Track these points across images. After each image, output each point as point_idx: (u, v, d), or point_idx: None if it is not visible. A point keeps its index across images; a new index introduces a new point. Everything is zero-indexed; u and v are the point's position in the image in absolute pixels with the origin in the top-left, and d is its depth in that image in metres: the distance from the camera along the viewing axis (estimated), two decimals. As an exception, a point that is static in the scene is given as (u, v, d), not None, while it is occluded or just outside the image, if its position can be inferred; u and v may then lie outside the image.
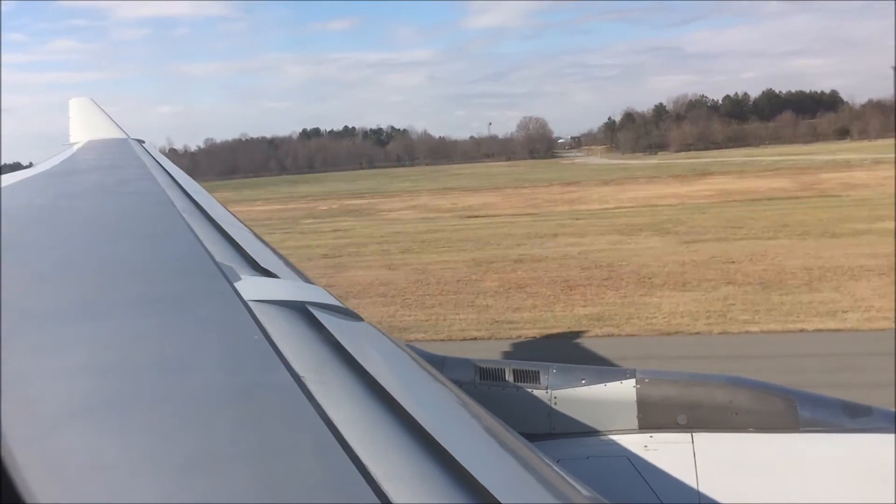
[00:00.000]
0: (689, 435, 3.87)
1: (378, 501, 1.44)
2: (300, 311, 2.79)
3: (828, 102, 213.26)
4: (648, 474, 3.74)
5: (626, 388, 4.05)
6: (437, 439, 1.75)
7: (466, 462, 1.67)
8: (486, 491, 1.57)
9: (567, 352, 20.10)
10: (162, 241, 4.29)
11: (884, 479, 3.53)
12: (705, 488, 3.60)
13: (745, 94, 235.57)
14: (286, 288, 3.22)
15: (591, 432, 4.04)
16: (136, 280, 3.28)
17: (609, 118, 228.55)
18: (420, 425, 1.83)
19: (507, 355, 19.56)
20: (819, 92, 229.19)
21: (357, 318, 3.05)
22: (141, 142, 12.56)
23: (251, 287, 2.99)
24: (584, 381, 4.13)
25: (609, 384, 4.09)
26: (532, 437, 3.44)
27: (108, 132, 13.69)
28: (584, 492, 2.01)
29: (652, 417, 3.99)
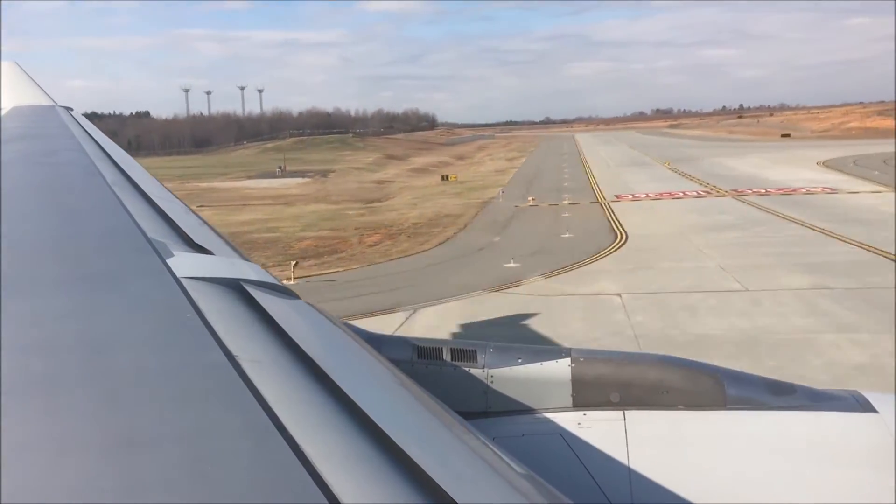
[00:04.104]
0: (622, 412, 3.93)
1: (312, 482, 1.42)
2: (235, 288, 2.74)
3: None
4: (581, 451, 3.80)
5: (561, 367, 4.08)
6: (374, 419, 1.75)
7: (402, 441, 1.67)
8: (422, 470, 1.57)
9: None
10: (91, 215, 4.15)
11: (805, 455, 3.68)
12: (636, 464, 3.68)
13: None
14: (221, 265, 3.16)
15: (527, 410, 4.07)
16: (63, 256, 3.17)
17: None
18: (356, 405, 1.82)
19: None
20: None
21: (293, 296, 3.01)
22: (69, 109, 12.07)
23: (184, 264, 2.92)
24: (520, 361, 4.15)
25: (545, 363, 4.11)
26: (468, 416, 3.42)
27: (34, 99, 13.05)
28: (518, 468, 2.04)
29: (586, 395, 4.02)
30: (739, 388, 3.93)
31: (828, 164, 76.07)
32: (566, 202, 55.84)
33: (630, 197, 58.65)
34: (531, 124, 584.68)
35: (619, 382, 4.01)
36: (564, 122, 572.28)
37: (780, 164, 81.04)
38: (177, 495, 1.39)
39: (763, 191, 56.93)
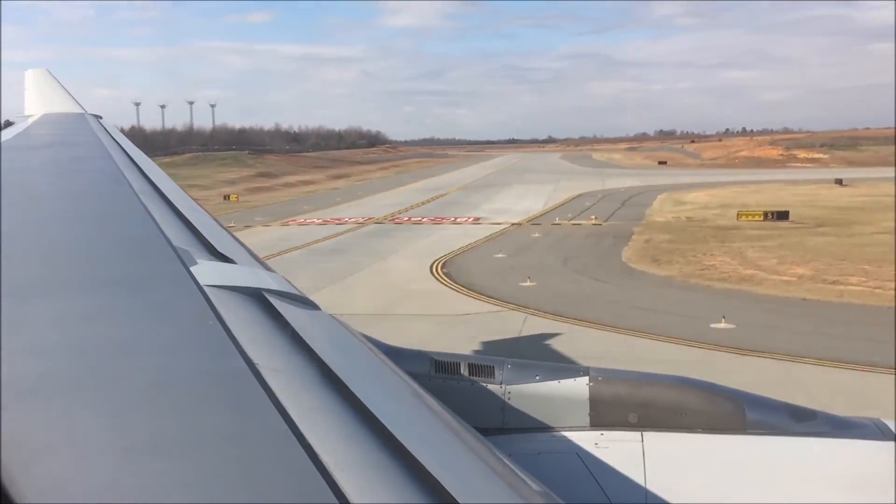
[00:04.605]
0: (639, 434, 3.89)
1: (329, 490, 1.44)
2: (256, 297, 2.75)
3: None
4: (598, 471, 3.77)
5: (579, 386, 4.05)
6: (391, 430, 1.77)
7: (419, 453, 1.68)
8: (438, 483, 1.58)
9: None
10: (117, 222, 4.17)
11: (825, 483, 3.64)
12: (653, 486, 3.63)
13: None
14: (243, 274, 3.17)
15: (544, 428, 4.05)
16: (89, 261, 3.18)
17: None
18: (374, 416, 1.84)
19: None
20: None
21: (314, 306, 3.03)
22: (98, 118, 12.13)
23: (207, 272, 2.94)
24: (538, 378, 4.13)
25: (562, 381, 4.09)
26: (485, 432, 3.38)
27: (64, 106, 13.23)
28: (534, 486, 2.05)
29: (603, 415, 3.99)
30: (760, 413, 3.90)
31: (574, 197, 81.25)
32: (260, 225, 60.06)
33: (300, 220, 63.89)
34: (534, 142, 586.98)
35: (637, 403, 3.98)
36: (568, 140, 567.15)
37: (546, 193, 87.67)
38: (195, 501, 1.40)
39: (420, 219, 62.55)
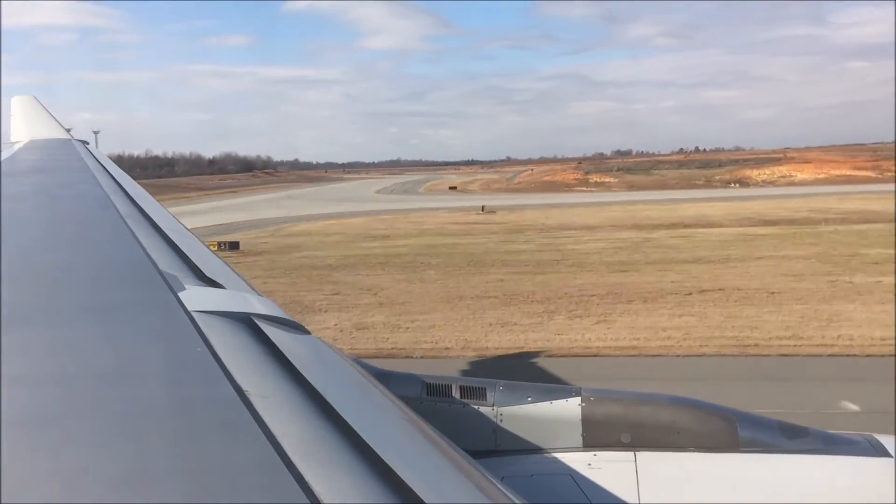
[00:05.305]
0: (633, 453, 3.90)
1: None
2: (246, 322, 2.73)
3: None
4: (591, 492, 3.76)
5: (571, 406, 4.06)
6: (382, 456, 1.76)
7: (410, 479, 1.67)
8: None
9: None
10: (104, 248, 4.15)
11: (818, 499, 3.63)
12: None
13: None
14: (232, 299, 3.15)
15: (536, 450, 4.04)
16: (75, 288, 3.16)
17: None
18: (365, 442, 1.83)
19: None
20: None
21: (304, 331, 3.00)
22: (85, 143, 12.24)
23: (195, 297, 2.92)
24: (529, 399, 4.13)
25: (555, 402, 4.09)
26: (477, 454, 3.40)
27: (50, 132, 13.36)
28: None
29: (596, 435, 4.00)
30: (752, 431, 3.92)
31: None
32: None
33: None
34: (493, 162, 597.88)
35: (630, 423, 3.99)
36: (528, 160, 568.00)
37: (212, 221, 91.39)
38: None
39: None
